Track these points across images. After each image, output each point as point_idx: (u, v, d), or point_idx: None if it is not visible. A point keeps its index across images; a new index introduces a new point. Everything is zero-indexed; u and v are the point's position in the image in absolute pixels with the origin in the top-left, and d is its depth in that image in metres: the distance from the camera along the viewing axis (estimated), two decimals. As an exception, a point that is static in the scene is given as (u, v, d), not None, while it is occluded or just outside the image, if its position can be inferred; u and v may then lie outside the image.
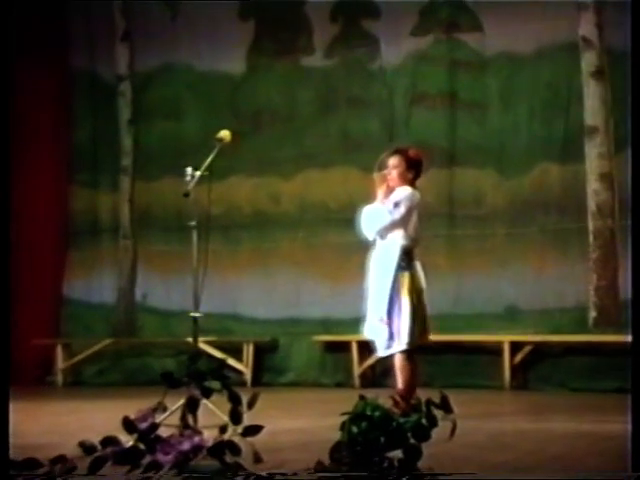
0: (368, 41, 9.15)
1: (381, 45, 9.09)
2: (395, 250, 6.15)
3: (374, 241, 6.26)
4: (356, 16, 9.21)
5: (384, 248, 6.21)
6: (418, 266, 6.21)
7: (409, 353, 6.14)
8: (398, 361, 6.17)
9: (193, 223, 5.94)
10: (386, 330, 6.10)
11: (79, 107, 10.12)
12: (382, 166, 6.29)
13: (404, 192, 6.19)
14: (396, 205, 6.15)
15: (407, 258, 6.16)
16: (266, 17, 9.51)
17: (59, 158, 10.02)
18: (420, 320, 6.15)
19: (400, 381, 6.13)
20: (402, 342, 6.10)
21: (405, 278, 6.11)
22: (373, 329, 6.21)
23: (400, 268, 6.12)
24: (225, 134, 6.16)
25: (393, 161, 6.27)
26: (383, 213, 6.18)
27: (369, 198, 6.29)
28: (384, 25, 9.06)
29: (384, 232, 6.20)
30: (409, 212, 6.16)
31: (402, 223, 6.16)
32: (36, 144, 9.86)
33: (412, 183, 6.28)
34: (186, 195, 5.91)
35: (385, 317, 6.09)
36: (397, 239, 6.18)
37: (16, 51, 9.73)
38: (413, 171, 6.29)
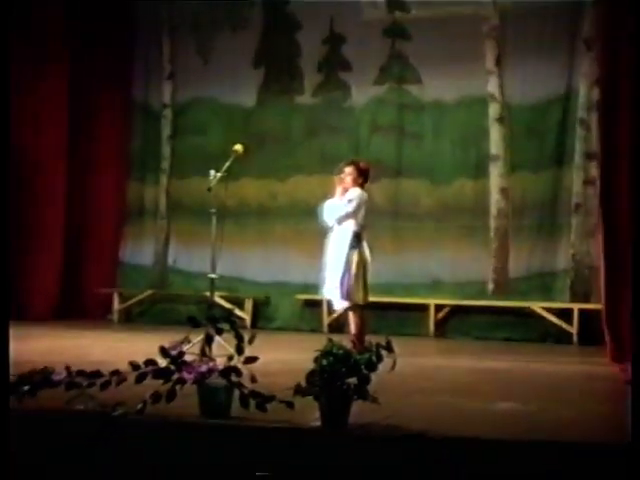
0: (343, 87, 9.12)
1: (352, 90, 9.06)
2: (348, 234, 6.13)
3: (332, 227, 6.23)
4: (335, 69, 9.16)
5: (340, 232, 6.18)
6: (365, 246, 6.18)
7: (357, 309, 6.15)
8: (350, 315, 6.21)
9: (213, 210, 5.94)
10: (338, 292, 6.11)
11: (135, 125, 10.00)
12: (340, 171, 6.28)
13: (356, 192, 6.18)
14: (350, 201, 6.15)
15: (357, 240, 6.12)
16: (272, 66, 9.45)
17: (120, 161, 9.96)
18: (364, 286, 6.13)
19: (352, 328, 6.17)
20: (349, 301, 6.12)
21: (355, 255, 6.09)
22: (330, 291, 6.22)
23: (352, 247, 6.09)
24: (239, 147, 6.16)
25: (348, 170, 6.26)
26: (340, 206, 6.17)
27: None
28: (354, 76, 9.02)
29: (340, 220, 6.17)
30: (359, 207, 6.15)
31: (354, 214, 6.14)
32: (105, 151, 9.81)
33: (362, 186, 6.27)
34: (209, 190, 5.91)
35: (338, 283, 6.08)
36: (350, 226, 6.15)
37: (95, 85, 9.68)
38: (362, 177, 6.28)
